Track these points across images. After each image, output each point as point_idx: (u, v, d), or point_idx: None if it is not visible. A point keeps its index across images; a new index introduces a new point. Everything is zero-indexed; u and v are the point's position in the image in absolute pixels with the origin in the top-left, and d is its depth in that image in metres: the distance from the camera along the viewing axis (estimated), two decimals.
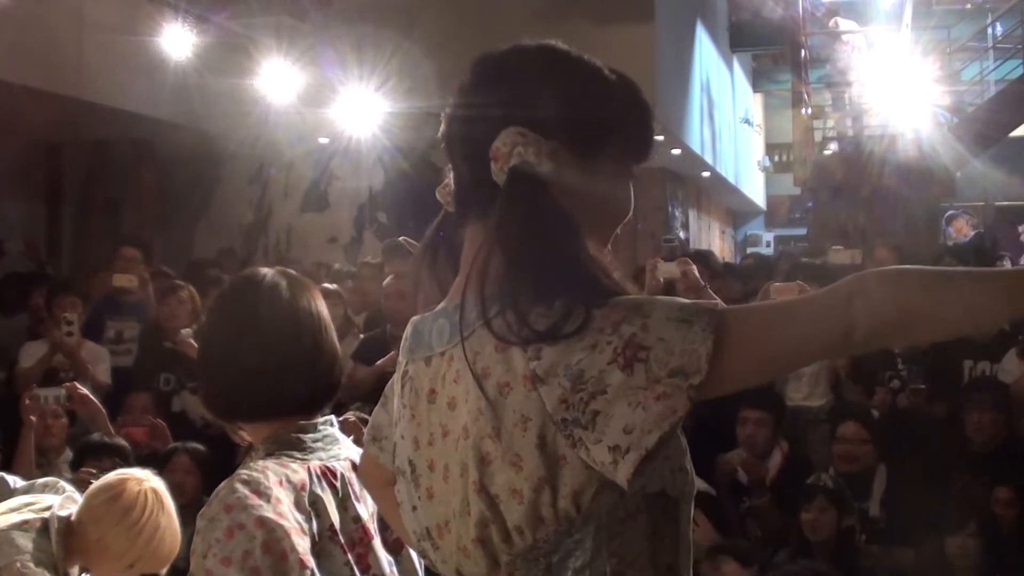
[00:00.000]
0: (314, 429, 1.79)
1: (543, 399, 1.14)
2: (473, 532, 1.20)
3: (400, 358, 1.33)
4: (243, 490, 1.63)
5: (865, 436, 4.42)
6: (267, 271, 1.86)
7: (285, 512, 1.63)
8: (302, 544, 1.62)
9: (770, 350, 1.16)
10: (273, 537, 1.59)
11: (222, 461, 4.55)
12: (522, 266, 1.17)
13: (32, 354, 5.23)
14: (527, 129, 1.21)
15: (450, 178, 1.32)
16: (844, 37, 11.41)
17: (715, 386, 1.14)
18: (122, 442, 4.22)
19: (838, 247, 7.46)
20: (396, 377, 1.35)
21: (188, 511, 4.21)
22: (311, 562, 1.62)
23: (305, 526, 1.65)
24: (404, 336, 1.33)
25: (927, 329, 1.19)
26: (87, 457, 4.07)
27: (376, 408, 1.44)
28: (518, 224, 1.19)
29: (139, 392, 4.95)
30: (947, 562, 3.84)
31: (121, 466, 4.08)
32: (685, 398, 1.12)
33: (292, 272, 1.89)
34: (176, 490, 4.30)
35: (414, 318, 1.32)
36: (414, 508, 1.29)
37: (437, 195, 1.33)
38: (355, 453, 1.83)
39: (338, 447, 1.81)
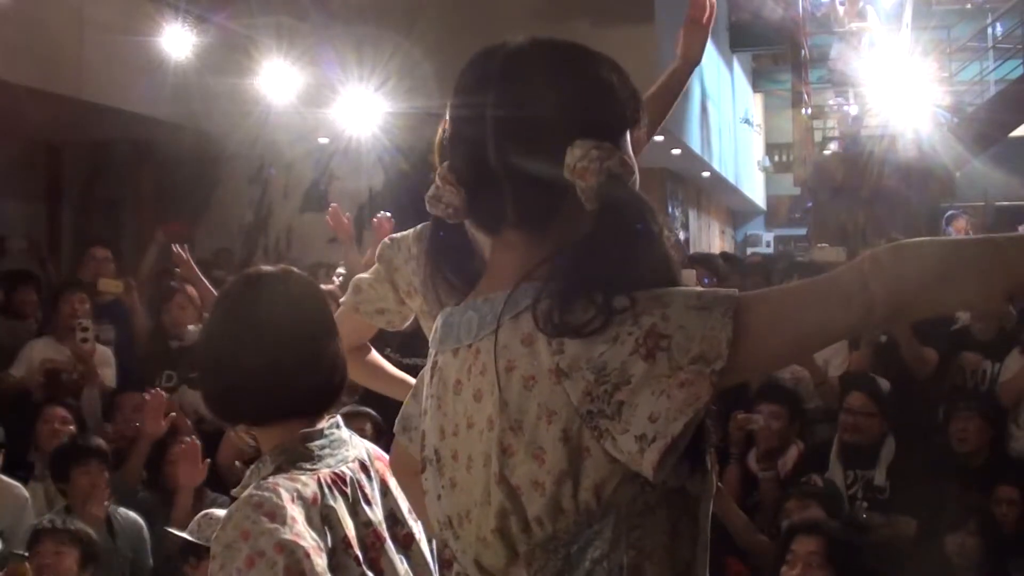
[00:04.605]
0: (320, 435, 1.76)
1: (568, 392, 1.15)
2: (493, 522, 1.21)
3: (430, 348, 1.34)
4: (257, 514, 1.60)
5: (872, 408, 4.41)
6: (269, 269, 1.83)
7: (302, 532, 1.61)
8: (320, 564, 1.60)
9: (790, 332, 1.17)
10: (293, 559, 1.57)
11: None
12: (616, 267, 1.18)
13: (37, 352, 5.23)
14: (595, 139, 1.21)
15: (444, 188, 1.29)
16: (853, 29, 11.37)
17: (737, 371, 1.15)
18: (101, 443, 4.24)
19: (823, 245, 7.52)
20: (426, 367, 1.36)
21: (194, 499, 4.23)
22: None
23: (321, 543, 1.63)
24: (434, 327, 1.34)
25: (945, 302, 1.20)
26: (72, 462, 4.09)
27: (407, 398, 1.45)
28: (627, 237, 1.20)
29: (131, 392, 4.97)
30: (946, 561, 3.83)
31: (105, 467, 4.12)
32: (708, 384, 1.13)
33: (295, 270, 1.86)
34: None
35: (444, 310, 1.33)
36: (439, 497, 1.30)
37: (431, 209, 1.31)
38: (363, 451, 1.82)
39: (345, 449, 1.78)
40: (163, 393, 4.49)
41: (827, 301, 1.16)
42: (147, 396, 4.46)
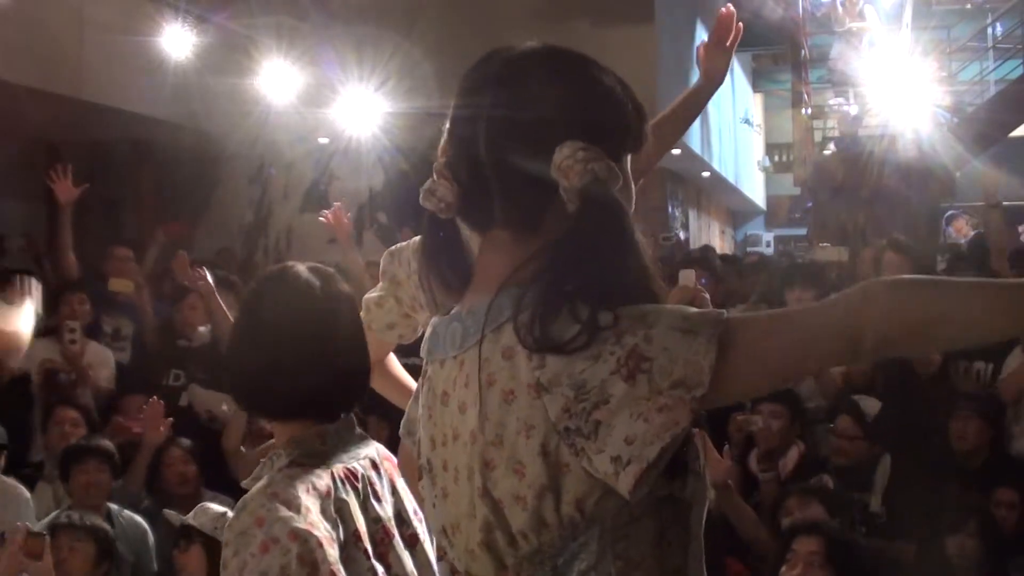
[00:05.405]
0: (334, 432, 1.79)
1: (547, 408, 1.14)
2: (479, 535, 1.21)
3: (422, 356, 1.34)
4: (273, 503, 1.62)
5: (856, 432, 4.43)
6: (301, 267, 1.85)
7: (315, 522, 1.63)
8: (332, 554, 1.62)
9: (775, 360, 1.15)
10: (307, 548, 1.59)
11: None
12: (595, 278, 1.17)
13: (37, 352, 5.23)
14: (584, 142, 1.20)
15: (439, 183, 1.29)
16: (853, 29, 11.37)
17: (719, 396, 1.14)
18: (106, 443, 4.24)
19: (825, 244, 7.50)
20: (421, 376, 1.36)
21: (191, 500, 4.28)
22: (341, 572, 1.63)
23: (333, 534, 1.65)
24: (425, 336, 1.34)
25: (936, 340, 1.20)
26: (71, 462, 4.09)
27: (410, 402, 1.45)
28: (604, 239, 1.19)
29: (135, 395, 4.98)
30: (946, 562, 3.83)
31: (106, 467, 4.12)
32: (687, 410, 1.11)
33: (327, 269, 1.88)
34: (178, 480, 4.40)
35: (433, 319, 1.33)
36: (434, 505, 1.30)
37: (424, 202, 1.30)
38: (374, 450, 1.84)
39: (358, 446, 1.81)
40: (161, 402, 4.49)
41: (817, 331, 1.15)
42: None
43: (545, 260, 1.20)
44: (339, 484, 1.71)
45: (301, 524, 1.60)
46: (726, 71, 2.47)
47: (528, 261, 1.22)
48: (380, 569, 1.72)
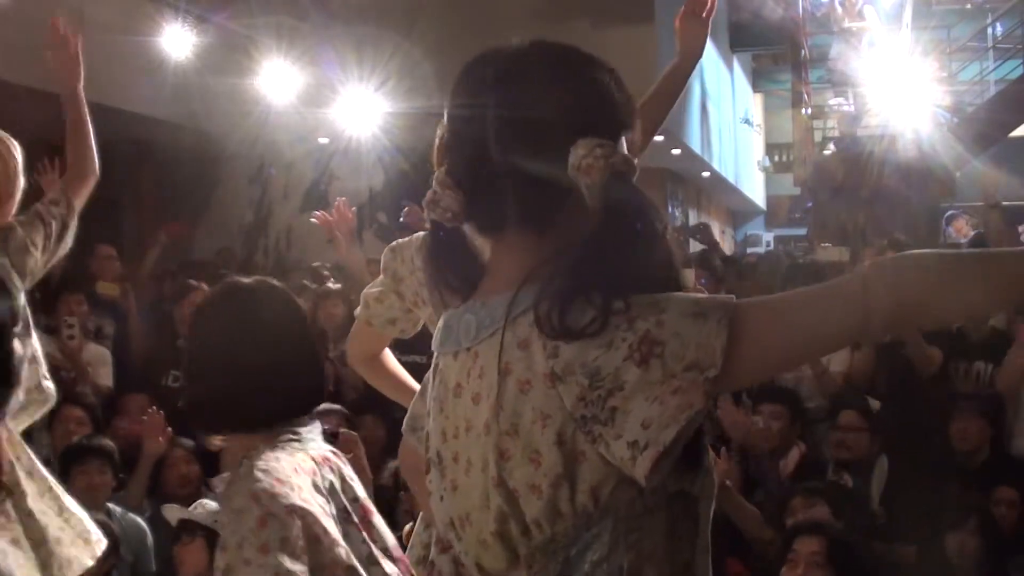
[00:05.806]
0: (302, 422, 1.85)
1: (562, 397, 1.15)
2: (492, 525, 1.21)
3: (433, 350, 1.35)
4: (266, 480, 1.66)
5: (862, 424, 4.42)
6: (247, 281, 1.90)
7: (308, 498, 1.68)
8: (331, 526, 1.67)
9: (786, 340, 1.16)
10: (306, 522, 1.63)
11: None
12: (619, 270, 1.18)
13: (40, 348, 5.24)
14: (599, 138, 1.21)
15: (442, 193, 1.28)
16: (853, 29, 11.37)
17: (731, 379, 1.15)
18: (107, 442, 4.24)
19: (826, 244, 7.51)
20: (430, 369, 1.36)
21: (193, 500, 4.27)
22: (342, 542, 1.68)
23: (326, 508, 1.71)
24: (436, 329, 1.34)
25: (945, 313, 1.20)
26: (72, 462, 4.08)
27: (415, 398, 1.46)
28: (632, 234, 1.19)
29: (135, 394, 4.97)
30: (947, 561, 3.83)
31: (108, 468, 4.11)
32: (701, 392, 1.12)
33: (272, 281, 1.93)
34: (180, 480, 4.39)
35: (446, 313, 1.33)
36: (441, 499, 1.30)
37: (430, 214, 1.30)
38: (326, 449, 1.90)
39: (320, 437, 1.89)
40: (161, 413, 4.48)
41: (826, 308, 1.15)
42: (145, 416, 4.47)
43: (572, 256, 1.21)
44: (319, 465, 1.78)
45: (296, 500, 1.64)
46: (703, 45, 2.48)
47: (551, 258, 1.22)
48: (371, 543, 1.79)
